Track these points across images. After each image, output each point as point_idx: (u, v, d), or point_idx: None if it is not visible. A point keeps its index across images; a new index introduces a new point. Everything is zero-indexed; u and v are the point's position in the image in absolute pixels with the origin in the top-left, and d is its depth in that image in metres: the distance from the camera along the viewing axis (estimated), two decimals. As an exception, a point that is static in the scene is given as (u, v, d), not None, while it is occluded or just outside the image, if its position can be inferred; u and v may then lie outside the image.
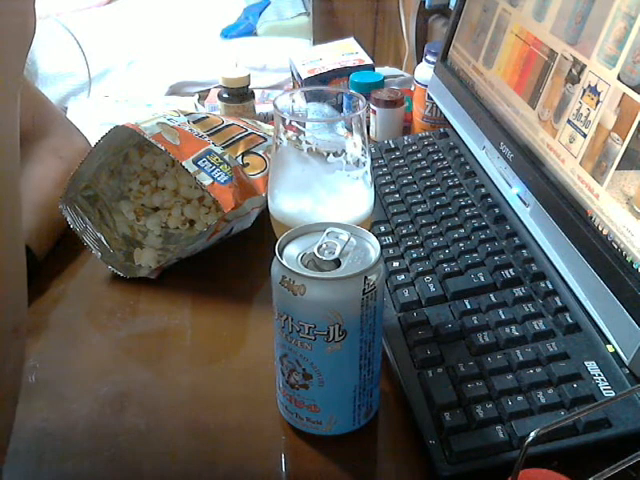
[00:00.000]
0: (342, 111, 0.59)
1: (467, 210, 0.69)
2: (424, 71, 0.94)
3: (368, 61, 1.01)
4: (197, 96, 1.14)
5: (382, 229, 0.70)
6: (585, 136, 0.58)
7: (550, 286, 0.58)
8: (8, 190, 0.37)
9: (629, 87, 0.53)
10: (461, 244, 0.64)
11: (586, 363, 0.50)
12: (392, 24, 1.62)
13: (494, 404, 0.48)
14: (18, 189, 0.39)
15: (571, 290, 0.57)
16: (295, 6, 2.08)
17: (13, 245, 0.39)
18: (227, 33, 1.91)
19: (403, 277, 0.62)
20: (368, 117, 0.94)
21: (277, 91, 1.18)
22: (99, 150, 0.68)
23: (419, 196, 0.74)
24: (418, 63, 0.97)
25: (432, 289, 0.60)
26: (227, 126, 0.73)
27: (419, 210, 0.71)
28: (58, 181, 0.71)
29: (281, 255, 0.45)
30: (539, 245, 0.62)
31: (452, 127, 0.84)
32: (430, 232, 0.67)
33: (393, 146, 0.86)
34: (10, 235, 0.38)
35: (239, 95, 0.95)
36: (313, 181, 0.57)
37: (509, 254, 0.62)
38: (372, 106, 0.93)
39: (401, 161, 0.82)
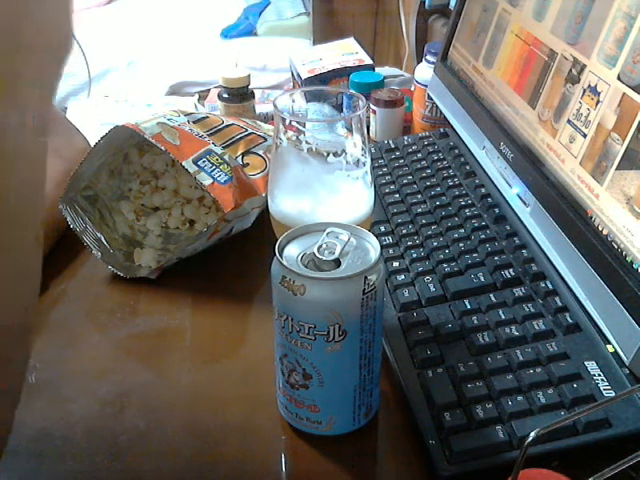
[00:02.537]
0: (342, 111, 0.59)
1: (467, 210, 0.69)
2: (424, 71, 0.94)
3: (368, 61, 1.01)
4: (197, 96, 1.14)
5: (382, 229, 0.70)
6: (585, 136, 0.58)
7: (550, 286, 0.58)
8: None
9: (629, 87, 0.53)
10: (461, 244, 0.64)
11: (586, 363, 0.51)
12: (392, 24, 1.62)
13: (494, 404, 0.48)
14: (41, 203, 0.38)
15: (571, 290, 0.57)
16: (295, 6, 2.07)
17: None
18: (227, 33, 1.91)
19: (403, 277, 0.62)
20: (368, 117, 0.94)
21: (277, 91, 1.18)
22: (99, 150, 0.68)
23: (419, 196, 0.74)
24: (418, 63, 0.97)
25: (432, 289, 0.60)
26: (227, 126, 0.73)
27: (419, 210, 0.71)
28: (58, 181, 0.71)
29: (281, 255, 0.45)
30: (539, 245, 0.62)
31: (452, 127, 0.84)
32: (430, 232, 0.67)
33: (393, 146, 0.86)
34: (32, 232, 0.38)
35: (239, 95, 0.95)
36: (313, 181, 0.57)
37: (509, 254, 0.62)
38: (372, 106, 0.93)
39: (401, 161, 0.82)
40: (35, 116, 0.33)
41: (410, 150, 0.83)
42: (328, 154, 0.56)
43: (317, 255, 0.45)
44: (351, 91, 0.59)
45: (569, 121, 0.61)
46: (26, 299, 0.38)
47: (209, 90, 1.12)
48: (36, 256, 0.38)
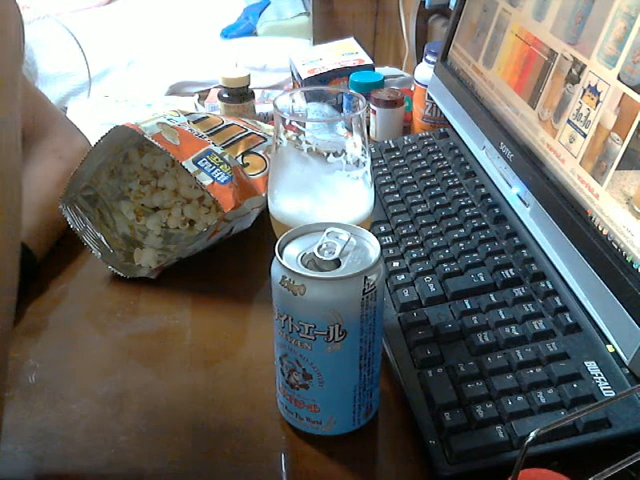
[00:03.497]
0: (342, 111, 0.59)
1: (467, 210, 0.69)
2: (424, 71, 0.94)
3: (368, 61, 1.01)
4: (197, 96, 1.14)
5: (382, 229, 0.70)
6: (585, 136, 0.58)
7: (550, 286, 0.58)
8: (13, 189, 0.38)
9: (629, 87, 0.53)
10: (461, 244, 0.64)
11: (586, 363, 0.51)
12: (392, 24, 1.62)
13: (494, 404, 0.48)
14: (20, 191, 0.39)
15: (571, 290, 0.57)
16: (295, 6, 2.07)
17: (12, 247, 0.39)
18: (227, 33, 1.91)
19: (403, 277, 0.62)
20: (368, 117, 0.94)
21: (277, 91, 1.18)
22: (99, 150, 0.68)
23: (419, 196, 0.74)
24: (418, 63, 0.97)
25: (432, 289, 0.60)
26: (227, 126, 0.73)
27: (419, 210, 0.71)
28: (58, 181, 0.71)
29: (281, 255, 0.45)
30: (539, 245, 0.62)
31: (452, 127, 0.84)
32: (430, 232, 0.67)
33: (393, 146, 0.86)
34: (9, 236, 0.38)
35: (239, 95, 0.95)
36: (313, 181, 0.57)
37: (509, 254, 0.62)
38: (372, 106, 0.93)
39: (401, 161, 0.82)
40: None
41: (410, 150, 0.83)
42: (328, 154, 0.56)
43: (317, 255, 0.45)
44: (351, 91, 0.59)
45: (569, 121, 0.61)
46: None
47: (209, 90, 1.12)
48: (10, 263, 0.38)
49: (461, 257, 0.63)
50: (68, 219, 0.68)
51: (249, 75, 0.96)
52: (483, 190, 0.72)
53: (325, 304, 0.44)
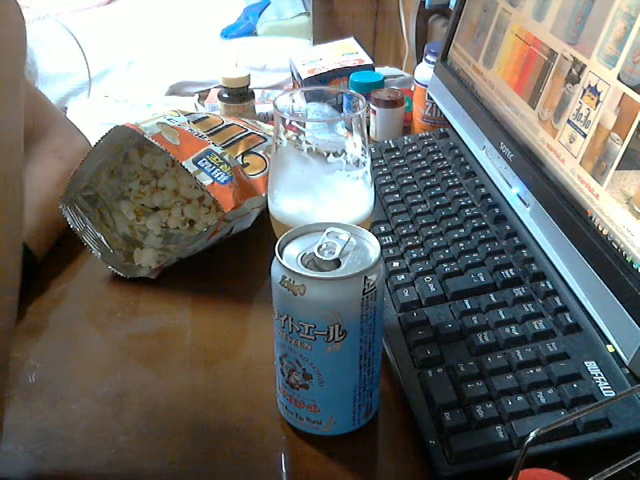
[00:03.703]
0: (342, 111, 0.59)
1: (467, 210, 0.69)
2: (424, 71, 0.94)
3: (368, 61, 1.01)
4: (197, 96, 1.14)
5: (382, 229, 0.70)
6: (585, 136, 0.58)
7: (550, 286, 0.58)
8: (15, 190, 0.38)
9: (629, 87, 0.53)
10: (461, 244, 0.64)
11: (586, 363, 0.51)
12: (392, 24, 1.62)
13: (494, 404, 0.48)
14: (22, 191, 0.39)
15: (571, 290, 0.57)
16: (295, 6, 2.07)
17: (13, 247, 0.39)
18: (227, 33, 1.91)
19: (403, 277, 0.62)
20: (368, 117, 0.94)
21: (277, 91, 1.18)
22: (99, 150, 0.68)
23: (419, 196, 0.74)
24: (418, 63, 0.97)
25: (432, 289, 0.60)
26: (227, 126, 0.73)
27: (419, 210, 0.71)
28: (58, 181, 0.71)
29: (281, 255, 0.45)
30: (539, 245, 0.62)
31: (452, 127, 0.84)
32: (430, 232, 0.67)
33: (393, 146, 0.86)
34: (11, 236, 0.38)
35: (239, 95, 0.95)
36: (313, 181, 0.57)
37: (509, 254, 0.62)
38: (372, 106, 0.93)
39: (401, 161, 0.82)
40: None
41: (410, 150, 0.83)
42: (328, 154, 0.56)
43: (317, 255, 0.45)
44: (351, 91, 0.59)
45: (569, 121, 0.61)
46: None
47: (209, 90, 1.12)
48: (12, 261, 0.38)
49: (461, 257, 0.63)
50: (68, 219, 0.68)
51: (249, 75, 0.96)
52: (483, 190, 0.72)
53: (325, 304, 0.44)
